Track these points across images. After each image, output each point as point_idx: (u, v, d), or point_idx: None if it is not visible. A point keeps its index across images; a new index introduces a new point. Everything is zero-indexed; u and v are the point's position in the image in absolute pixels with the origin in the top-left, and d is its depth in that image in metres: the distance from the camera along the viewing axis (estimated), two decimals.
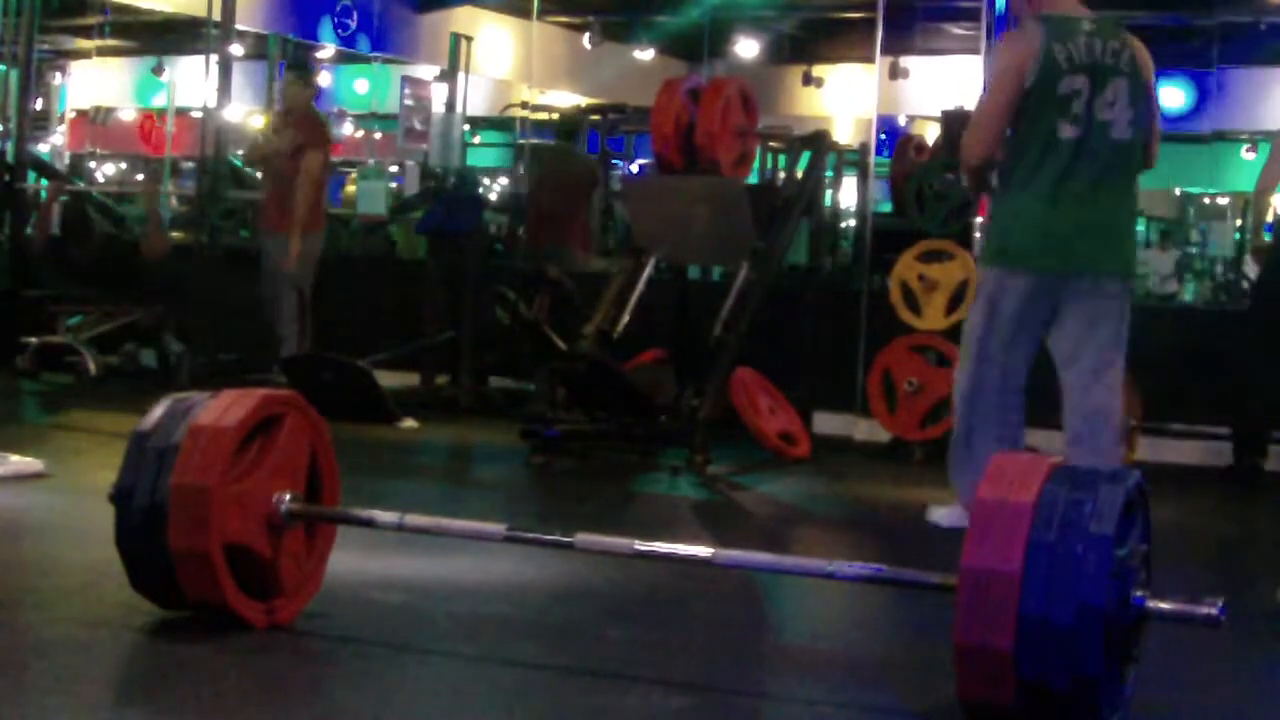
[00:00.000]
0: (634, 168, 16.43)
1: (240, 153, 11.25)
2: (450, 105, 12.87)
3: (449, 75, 13.21)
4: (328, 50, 16.47)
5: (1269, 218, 7.79)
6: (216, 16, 10.61)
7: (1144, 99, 4.93)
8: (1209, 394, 7.42)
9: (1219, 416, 7.44)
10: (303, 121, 8.43)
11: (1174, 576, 3.51)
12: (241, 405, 3.33)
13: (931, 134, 10.48)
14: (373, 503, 3.60)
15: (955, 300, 7.43)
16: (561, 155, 10.37)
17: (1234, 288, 15.37)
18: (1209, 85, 15.94)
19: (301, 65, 9.11)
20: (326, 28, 15.13)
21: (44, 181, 10.76)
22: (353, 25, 15.21)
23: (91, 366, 8.68)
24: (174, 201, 15.19)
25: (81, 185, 12.71)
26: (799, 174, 7.77)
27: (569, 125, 10.68)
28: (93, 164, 20.09)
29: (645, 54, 17.39)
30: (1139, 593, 2.86)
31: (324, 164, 8.44)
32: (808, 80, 17.97)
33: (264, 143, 8.66)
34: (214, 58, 10.26)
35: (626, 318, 6.87)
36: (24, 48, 10.63)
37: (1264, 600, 4.30)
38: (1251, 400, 7.21)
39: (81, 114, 19.54)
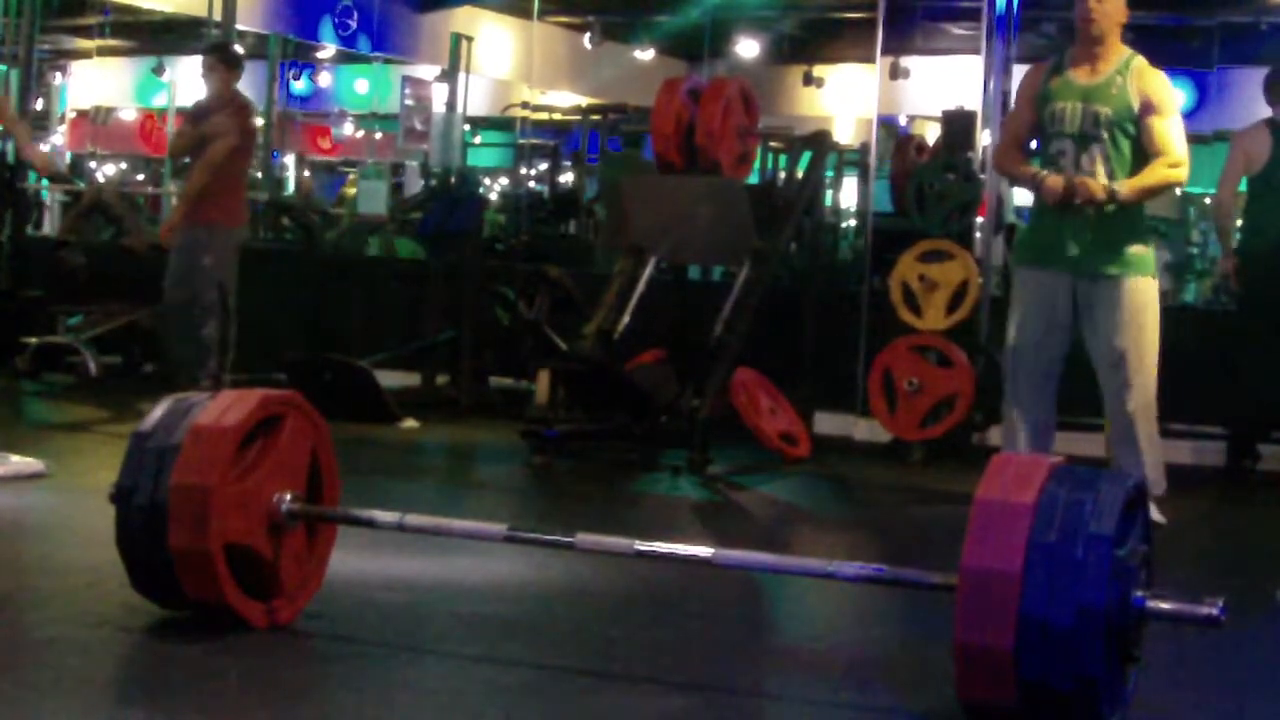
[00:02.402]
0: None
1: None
2: (451, 105, 12.89)
3: (449, 75, 13.23)
4: (328, 50, 16.47)
5: (1236, 225, 7.78)
6: (216, 16, 10.63)
7: None
8: (1208, 394, 7.42)
9: (1218, 417, 7.44)
10: (228, 105, 7.80)
11: (1174, 576, 3.51)
12: (242, 405, 3.33)
13: (932, 134, 10.49)
14: (373, 503, 3.60)
15: (956, 300, 7.43)
16: (627, 161, 10.43)
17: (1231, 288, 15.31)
18: (1209, 85, 15.94)
19: (219, 46, 8.33)
20: (327, 28, 15.13)
21: (45, 181, 10.76)
22: (353, 25, 15.21)
23: (91, 366, 8.67)
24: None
25: (81, 185, 12.71)
26: (799, 174, 7.76)
27: (635, 134, 10.72)
28: (93, 164, 20.09)
29: (645, 54, 17.39)
30: (1139, 593, 2.86)
31: (233, 149, 7.61)
32: (808, 80, 17.96)
33: (190, 131, 7.90)
34: None
35: (627, 318, 6.86)
36: (24, 48, 10.63)
37: (1264, 600, 4.30)
38: (1240, 402, 7.23)
39: (82, 114, 19.55)
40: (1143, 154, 5.41)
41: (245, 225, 8.01)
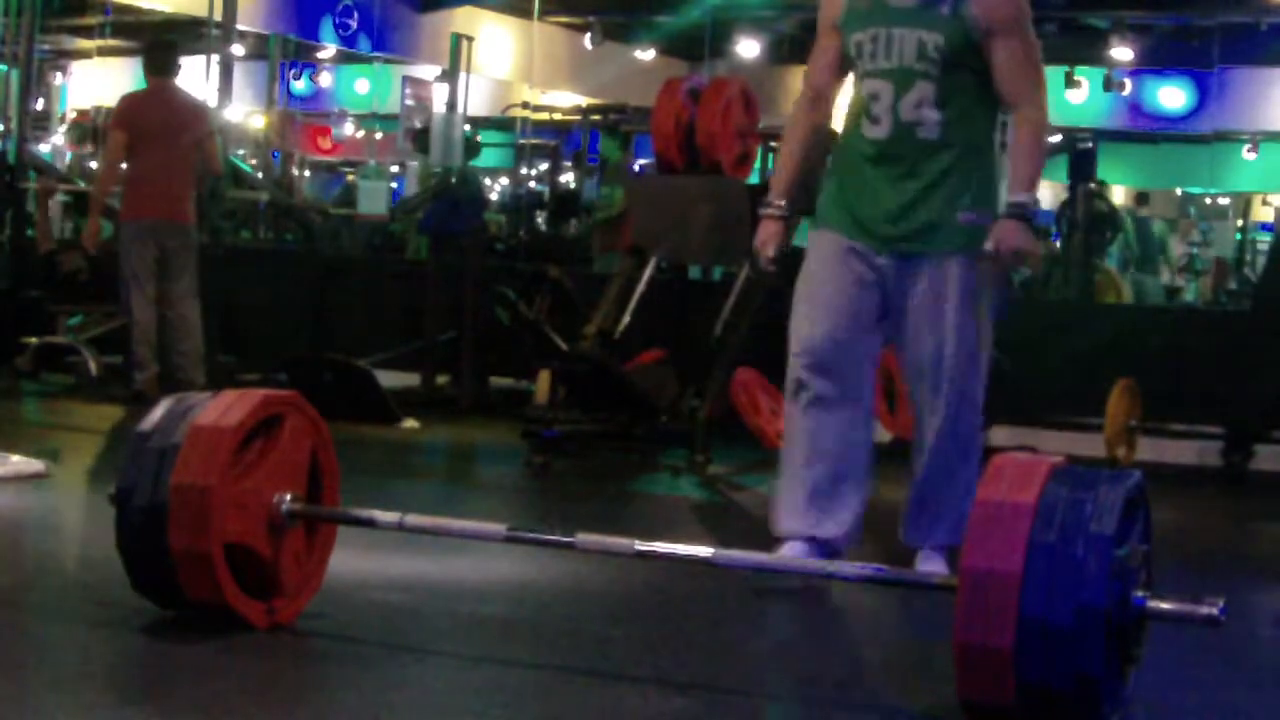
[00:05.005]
0: (635, 168, 16.46)
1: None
2: (451, 105, 12.89)
3: (450, 75, 13.22)
4: (328, 50, 16.48)
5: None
6: (217, 16, 10.64)
7: None
8: (1208, 394, 7.42)
9: (1219, 417, 7.44)
10: None
11: (1174, 576, 3.51)
12: (242, 405, 3.33)
13: None
14: (373, 503, 3.60)
15: None
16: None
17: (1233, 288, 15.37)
18: (1209, 85, 15.95)
19: (144, 48, 8.36)
20: (327, 28, 15.14)
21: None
22: (353, 25, 15.23)
23: (92, 366, 8.67)
24: None
25: (81, 185, 12.71)
26: None
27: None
28: (93, 164, 20.08)
29: (646, 54, 17.40)
30: (1139, 593, 2.86)
31: (116, 145, 7.82)
32: None
33: None
34: (214, 58, 10.28)
35: (627, 318, 6.87)
36: (24, 48, 10.63)
37: (1264, 600, 4.30)
38: (1239, 402, 7.24)
39: (82, 114, 19.54)
40: (988, 91, 4.10)
41: (140, 219, 7.78)
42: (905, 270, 4.12)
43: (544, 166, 17.47)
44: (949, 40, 4.02)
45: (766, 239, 4.29)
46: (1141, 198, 18.44)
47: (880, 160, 4.13)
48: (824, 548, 4.18)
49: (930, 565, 4.23)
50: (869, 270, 4.15)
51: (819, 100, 4.35)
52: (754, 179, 8.57)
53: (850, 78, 4.31)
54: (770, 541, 4.24)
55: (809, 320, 4.17)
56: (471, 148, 11.71)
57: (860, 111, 4.17)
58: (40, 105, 16.13)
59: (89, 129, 17.57)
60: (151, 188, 7.76)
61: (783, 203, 4.29)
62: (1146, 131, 17.51)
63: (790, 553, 4.16)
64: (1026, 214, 4.02)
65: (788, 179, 4.32)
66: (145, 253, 7.75)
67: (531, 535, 3.49)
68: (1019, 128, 4.10)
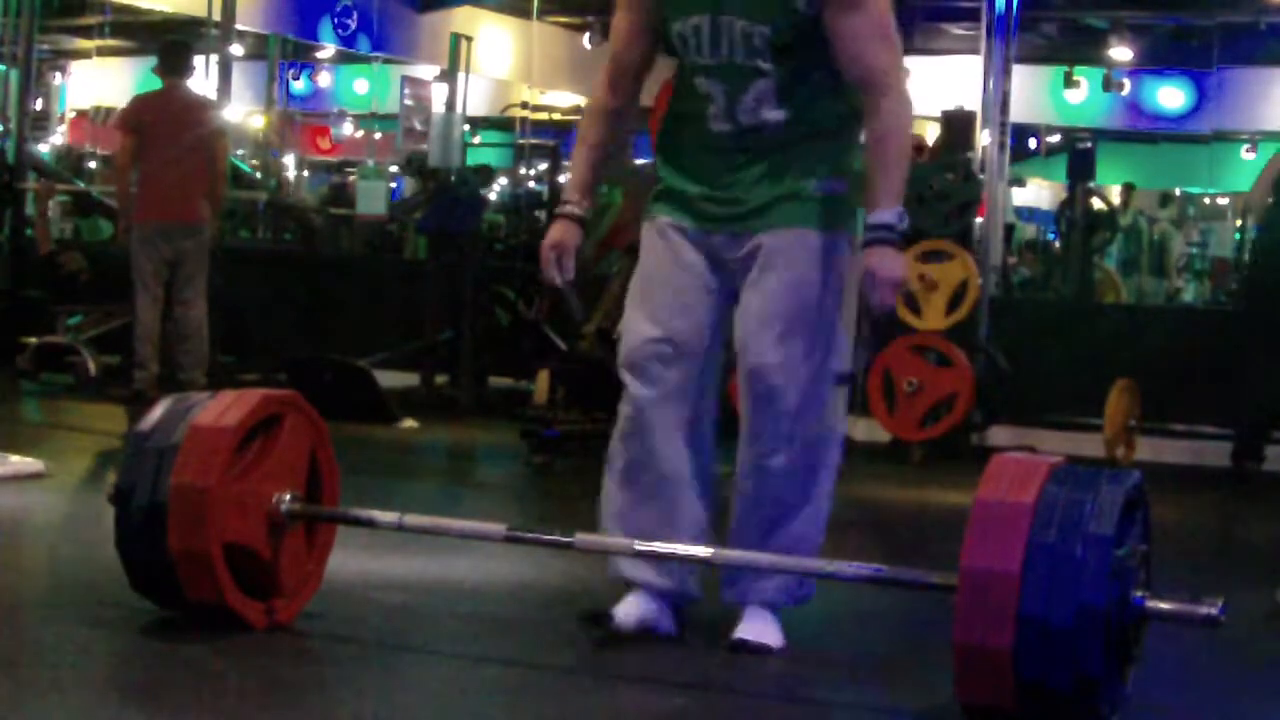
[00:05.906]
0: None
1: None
2: (450, 105, 12.88)
3: (449, 75, 13.22)
4: (328, 50, 16.48)
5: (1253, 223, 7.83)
6: (216, 16, 10.64)
7: None
8: (1209, 394, 7.43)
9: (1219, 417, 7.44)
10: None
11: (1174, 576, 3.51)
12: (241, 405, 3.33)
13: (932, 134, 10.48)
14: (373, 503, 3.60)
15: (955, 300, 7.44)
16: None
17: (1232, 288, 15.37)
18: (1209, 85, 15.96)
19: (159, 48, 8.36)
20: (326, 28, 15.14)
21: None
22: (353, 25, 15.22)
23: (91, 366, 8.66)
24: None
25: (81, 185, 12.72)
26: None
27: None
28: (93, 164, 20.08)
29: None
30: (1139, 593, 2.87)
31: (121, 147, 7.96)
32: None
33: None
34: (214, 58, 10.27)
35: None
36: (24, 48, 10.63)
37: (1264, 600, 4.30)
38: (1246, 403, 7.23)
39: (81, 114, 19.54)
40: (837, 80, 3.38)
41: (148, 221, 7.76)
42: (752, 252, 3.42)
43: (543, 166, 17.45)
44: (777, 30, 3.29)
45: (556, 243, 3.50)
46: (1165, 199, 18.41)
47: (721, 151, 3.43)
48: (669, 598, 3.55)
49: (757, 629, 3.50)
50: (712, 265, 3.50)
51: (621, 80, 3.62)
52: None
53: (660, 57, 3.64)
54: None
55: (640, 325, 3.59)
56: (485, 174, 11.63)
57: (688, 119, 3.49)
58: (40, 105, 16.11)
59: (75, 152, 17.65)
60: (160, 189, 7.76)
61: (578, 198, 3.55)
62: (1145, 131, 17.52)
63: (637, 605, 3.51)
64: (896, 236, 3.30)
65: (584, 174, 3.57)
66: (153, 254, 7.74)
67: (531, 535, 3.49)
68: (876, 122, 3.31)
